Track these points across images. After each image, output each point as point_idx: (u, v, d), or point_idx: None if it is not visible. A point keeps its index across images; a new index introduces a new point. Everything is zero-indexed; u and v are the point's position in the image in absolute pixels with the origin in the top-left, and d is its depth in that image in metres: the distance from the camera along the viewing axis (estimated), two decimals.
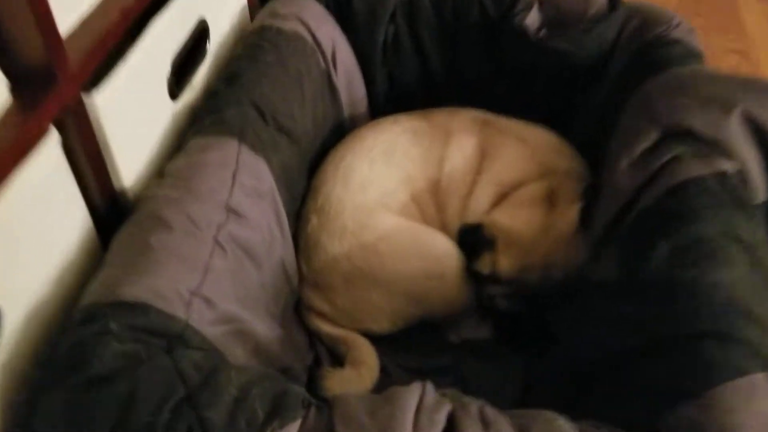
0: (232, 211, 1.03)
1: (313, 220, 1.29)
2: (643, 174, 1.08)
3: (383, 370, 1.26)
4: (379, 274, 1.23)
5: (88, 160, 0.96)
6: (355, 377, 1.21)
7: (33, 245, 0.89)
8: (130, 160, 1.06)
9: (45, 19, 0.83)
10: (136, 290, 0.86)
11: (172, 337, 0.86)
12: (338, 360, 1.27)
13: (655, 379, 0.87)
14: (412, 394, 0.78)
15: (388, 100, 1.52)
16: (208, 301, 0.94)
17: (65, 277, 0.95)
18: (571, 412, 1.02)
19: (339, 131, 1.46)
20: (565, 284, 1.19)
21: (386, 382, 1.24)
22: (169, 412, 0.74)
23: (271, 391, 0.78)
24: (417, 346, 1.31)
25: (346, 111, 1.47)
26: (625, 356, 0.93)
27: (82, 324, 0.82)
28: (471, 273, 1.25)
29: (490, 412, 0.78)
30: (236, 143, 1.09)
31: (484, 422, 0.76)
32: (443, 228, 1.31)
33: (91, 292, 0.88)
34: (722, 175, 1.01)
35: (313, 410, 0.76)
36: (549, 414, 0.81)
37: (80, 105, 0.93)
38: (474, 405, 0.78)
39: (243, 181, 1.07)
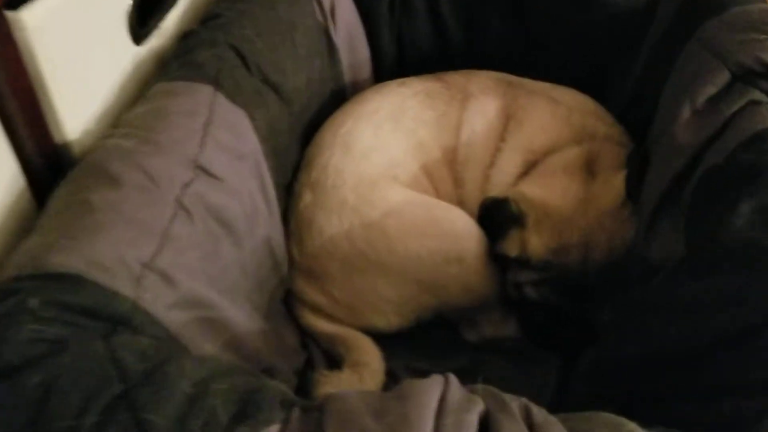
0: (201, 169, 0.83)
1: (307, 196, 1.08)
2: (710, 125, 0.88)
3: (389, 373, 1.05)
4: (387, 257, 1.02)
5: (16, 101, 0.76)
6: (356, 381, 1.00)
7: None
8: (75, 106, 0.85)
9: None
10: (66, 258, 0.66)
11: (114, 319, 0.66)
12: (335, 362, 1.06)
13: (748, 374, 0.66)
14: (430, 390, 0.57)
15: (396, 64, 1.32)
16: (165, 277, 0.73)
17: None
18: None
19: (338, 97, 1.25)
20: (610, 269, 0.98)
21: (392, 387, 1.02)
22: (98, 414, 0.55)
23: (239, 388, 0.58)
24: (429, 345, 1.11)
25: (347, 74, 1.27)
26: (704, 347, 0.72)
27: None
28: (495, 256, 1.03)
29: (538, 412, 0.58)
30: (210, 89, 0.90)
31: (531, 425, 0.55)
32: (461, 205, 1.10)
33: (12, 263, 0.68)
34: None
35: (296, 412, 0.56)
36: (613, 418, 0.61)
37: (3, 26, 0.72)
38: (515, 403, 0.58)
39: (217, 136, 0.87)
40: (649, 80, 1.10)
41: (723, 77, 0.89)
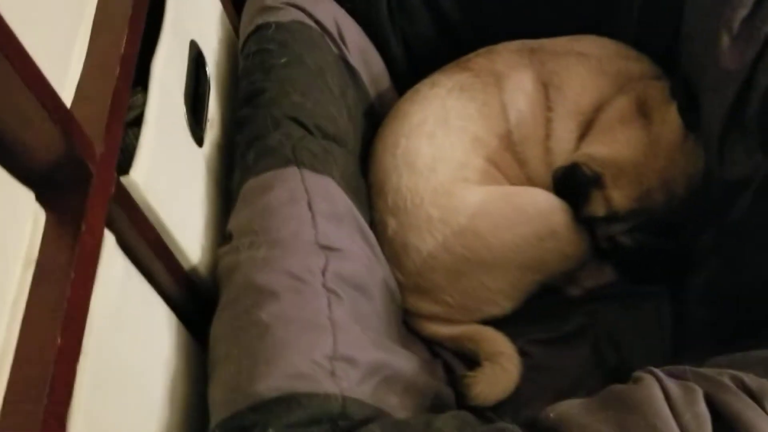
0: (326, 249, 0.87)
1: (391, 222, 1.13)
2: (752, 47, 0.94)
3: (521, 352, 1.12)
4: (486, 254, 1.09)
5: (150, 250, 0.79)
6: (501, 372, 1.08)
7: (127, 371, 0.73)
8: (188, 230, 0.89)
9: (47, 94, 0.63)
10: (274, 381, 0.72)
11: (333, 417, 0.72)
12: (467, 359, 1.13)
13: None
14: (652, 391, 0.64)
15: (409, 65, 1.34)
16: (348, 360, 0.79)
17: (176, 388, 0.80)
18: (753, 333, 0.89)
19: (371, 116, 1.28)
20: (693, 198, 1.05)
21: (530, 363, 1.10)
22: None
23: None
24: (543, 314, 1.17)
25: (371, 91, 1.29)
26: None
27: None
28: (584, 219, 1.10)
29: (748, 379, 0.65)
30: (295, 170, 0.93)
31: (751, 394, 0.63)
32: (531, 183, 1.16)
33: (221, 400, 0.73)
34: None
35: None
36: None
37: (122, 192, 0.75)
38: (725, 377, 0.65)
39: (321, 210, 0.91)
40: (650, 16, 1.14)
41: None
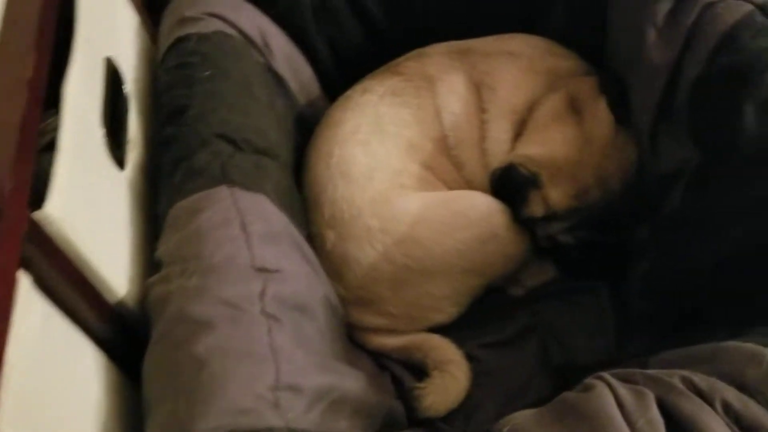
0: (263, 271, 0.83)
1: (329, 235, 1.10)
2: (677, 40, 0.95)
3: (468, 357, 1.11)
4: (428, 262, 1.07)
5: (71, 287, 0.74)
6: (450, 380, 1.06)
7: (53, 420, 0.68)
8: (112, 262, 0.83)
9: None
10: (214, 420, 0.68)
11: None
12: (416, 370, 1.11)
13: None
14: (603, 398, 0.63)
15: (338, 71, 1.30)
16: (292, 388, 0.76)
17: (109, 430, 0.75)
18: (693, 323, 0.91)
19: (301, 124, 1.24)
20: (629, 192, 1.06)
21: (479, 368, 1.10)
22: None
23: None
24: (486, 317, 1.17)
25: (301, 98, 1.26)
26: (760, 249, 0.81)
27: None
28: (523, 220, 1.09)
29: (697, 378, 0.65)
30: (226, 189, 0.89)
31: (701, 394, 0.63)
32: (469, 186, 1.15)
33: None
34: (764, 7, 0.89)
35: None
36: (738, 347, 0.70)
37: (36, 228, 0.69)
38: (675, 378, 0.65)
39: (256, 230, 0.87)
40: (577, 12, 1.14)
41: None
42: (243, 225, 0.86)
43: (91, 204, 0.81)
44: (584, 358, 1.09)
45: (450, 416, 1.05)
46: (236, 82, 1.04)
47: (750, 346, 0.67)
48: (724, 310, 0.88)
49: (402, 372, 1.12)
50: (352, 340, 1.13)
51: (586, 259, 1.12)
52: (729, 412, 0.60)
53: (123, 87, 1.02)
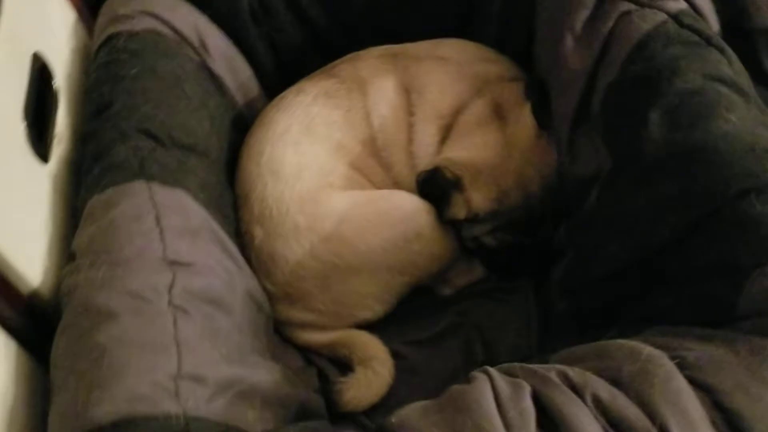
0: (175, 264, 0.85)
1: (258, 232, 1.12)
2: (594, 47, 0.99)
3: (395, 354, 1.14)
4: (354, 259, 1.09)
5: None
6: (373, 376, 1.09)
7: None
8: (26, 253, 0.85)
9: None
10: (110, 406, 0.70)
11: None
12: (342, 365, 1.14)
13: (709, 261, 0.78)
14: (482, 390, 0.66)
15: (278, 71, 1.32)
16: (195, 378, 0.78)
17: (15, 420, 0.76)
18: (613, 327, 0.94)
19: (239, 124, 1.26)
20: (550, 195, 1.09)
21: (404, 365, 1.12)
22: None
23: None
24: (415, 315, 1.20)
25: (238, 98, 1.27)
26: (659, 249, 0.84)
27: None
28: (447, 221, 1.12)
29: (573, 373, 0.68)
30: (143, 183, 0.90)
31: (573, 387, 0.66)
32: (397, 187, 1.18)
33: (58, 429, 0.70)
34: (677, 17, 0.93)
35: None
36: (623, 345, 0.73)
37: None
38: (552, 372, 0.68)
39: (171, 224, 0.89)
40: (509, 17, 1.18)
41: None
42: (157, 219, 0.88)
43: (6, 196, 0.82)
44: (507, 357, 1.12)
45: (372, 411, 1.07)
46: (164, 80, 1.06)
47: (632, 343, 0.71)
48: (629, 310, 0.92)
49: (328, 367, 1.14)
50: (280, 335, 1.16)
51: (510, 261, 1.15)
52: (598, 404, 0.63)
53: (52, 82, 1.03)
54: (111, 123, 0.97)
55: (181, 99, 1.08)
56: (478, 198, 1.09)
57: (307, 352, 1.16)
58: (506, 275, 1.18)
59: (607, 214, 0.95)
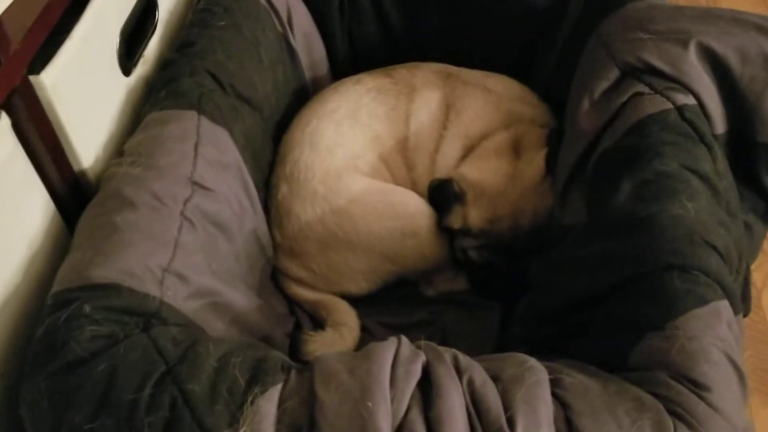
0: (197, 185, 1.01)
1: (283, 188, 1.28)
2: (605, 114, 1.09)
3: (364, 329, 1.27)
4: (354, 236, 1.23)
5: (43, 143, 0.93)
6: (338, 338, 1.22)
7: None
8: (87, 139, 1.03)
9: None
10: (105, 271, 0.85)
11: (148, 315, 0.85)
12: (319, 324, 1.28)
13: (623, 316, 0.88)
14: (388, 349, 0.78)
15: (349, 59, 1.49)
16: (180, 277, 0.93)
17: (34, 265, 0.94)
18: (551, 356, 1.04)
19: (302, 95, 1.43)
20: (536, 233, 1.20)
21: (368, 340, 1.23)
22: (151, 388, 0.74)
23: (250, 359, 0.78)
24: (395, 303, 1.33)
25: (307, 73, 1.45)
26: (596, 297, 0.94)
27: (55, 310, 0.81)
28: (443, 228, 1.25)
29: (463, 359, 0.79)
30: (195, 115, 1.07)
31: (458, 369, 0.77)
32: (413, 186, 1.31)
33: (61, 278, 0.87)
34: (681, 110, 1.02)
35: (293, 373, 0.77)
36: (519, 356, 0.82)
37: (28, 87, 0.90)
38: (448, 354, 0.79)
39: (206, 154, 1.05)
40: (562, 70, 1.29)
41: (614, 73, 1.09)
42: (196, 145, 1.04)
43: (85, 89, 1.01)
44: None
45: None
46: (244, 38, 1.24)
47: (523, 356, 0.81)
48: (564, 345, 1.02)
49: (306, 321, 1.29)
50: (275, 282, 1.31)
51: (488, 279, 1.27)
52: (470, 385, 0.74)
53: (156, 12, 1.22)
54: (187, 59, 1.14)
55: (254, 59, 1.25)
56: (474, 214, 1.21)
57: (292, 304, 1.31)
58: (483, 292, 1.29)
59: (567, 257, 1.05)
